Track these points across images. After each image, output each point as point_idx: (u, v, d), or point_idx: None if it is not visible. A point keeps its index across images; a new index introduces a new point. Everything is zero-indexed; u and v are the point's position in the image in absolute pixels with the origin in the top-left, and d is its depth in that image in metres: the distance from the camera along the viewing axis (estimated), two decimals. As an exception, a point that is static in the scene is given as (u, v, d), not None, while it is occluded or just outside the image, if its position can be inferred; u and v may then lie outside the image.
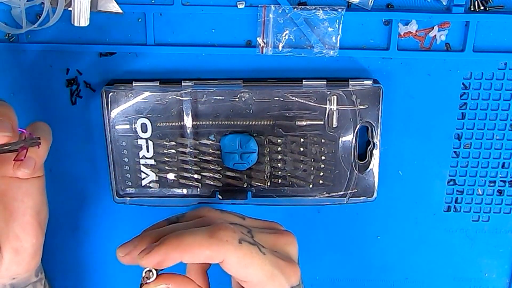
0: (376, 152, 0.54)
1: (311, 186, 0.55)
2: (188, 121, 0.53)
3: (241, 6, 0.51)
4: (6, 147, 0.39)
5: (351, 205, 0.56)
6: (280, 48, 0.52)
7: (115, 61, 0.53)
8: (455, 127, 0.55)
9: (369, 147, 0.54)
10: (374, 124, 0.53)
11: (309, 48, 0.52)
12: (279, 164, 0.54)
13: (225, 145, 0.53)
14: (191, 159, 0.54)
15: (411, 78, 0.53)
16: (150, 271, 0.40)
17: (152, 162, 0.54)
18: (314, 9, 0.50)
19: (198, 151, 0.54)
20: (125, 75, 0.53)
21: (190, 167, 0.55)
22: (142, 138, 0.53)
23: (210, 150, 0.54)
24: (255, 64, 0.53)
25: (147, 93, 0.52)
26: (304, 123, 0.53)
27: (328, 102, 0.52)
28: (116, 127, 0.53)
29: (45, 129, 0.44)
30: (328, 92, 0.52)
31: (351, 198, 0.55)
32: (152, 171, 0.55)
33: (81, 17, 0.49)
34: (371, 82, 0.52)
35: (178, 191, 0.55)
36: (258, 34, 0.52)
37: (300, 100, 0.52)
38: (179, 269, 0.42)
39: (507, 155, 0.56)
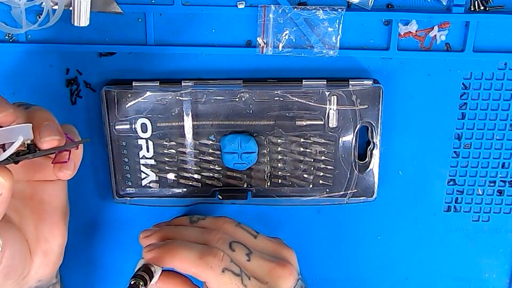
0: (376, 152, 0.54)
1: (311, 186, 0.55)
2: (188, 121, 0.53)
3: (241, 6, 0.51)
4: (53, 150, 0.40)
5: (351, 205, 0.56)
6: (280, 48, 0.52)
7: (115, 61, 0.53)
8: (455, 127, 0.55)
9: (369, 147, 0.54)
10: (374, 124, 0.53)
11: (309, 48, 0.52)
12: (279, 164, 0.54)
13: (225, 145, 0.53)
14: (191, 159, 0.54)
15: (411, 78, 0.53)
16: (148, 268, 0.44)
17: (152, 162, 0.54)
18: (314, 9, 0.50)
19: (198, 151, 0.54)
20: (125, 75, 0.53)
21: (190, 167, 0.55)
22: (142, 138, 0.53)
23: (210, 150, 0.54)
24: (255, 64, 0.53)
25: (147, 93, 0.52)
26: (304, 123, 0.53)
27: (328, 102, 0.52)
28: (116, 127, 0.53)
29: (75, 131, 0.45)
30: (328, 92, 0.52)
31: (351, 198, 0.55)
32: (152, 171, 0.55)
33: (81, 17, 0.49)
34: (371, 82, 0.52)
35: (178, 191, 0.55)
36: (258, 34, 0.52)
37: (300, 100, 0.52)
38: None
39: (507, 155, 0.56)
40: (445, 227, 0.59)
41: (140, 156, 0.54)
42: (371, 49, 0.53)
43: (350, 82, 0.52)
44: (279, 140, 0.54)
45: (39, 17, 0.49)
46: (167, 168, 0.54)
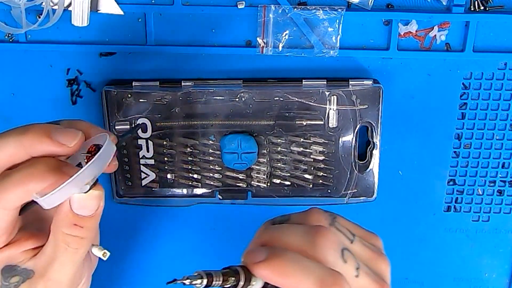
0: (376, 152, 0.54)
1: (311, 186, 0.55)
2: (188, 121, 0.53)
3: (241, 6, 0.51)
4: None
5: (351, 205, 0.56)
6: (280, 48, 0.52)
7: (115, 61, 0.53)
8: (455, 127, 0.55)
9: (369, 147, 0.54)
10: (374, 124, 0.53)
11: (309, 48, 0.52)
12: (279, 164, 0.54)
13: (225, 145, 0.53)
14: (191, 159, 0.54)
15: (411, 78, 0.53)
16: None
17: (152, 162, 0.54)
18: (314, 9, 0.50)
19: (198, 151, 0.54)
20: (125, 75, 0.53)
21: (190, 167, 0.55)
22: (142, 138, 0.53)
23: (210, 150, 0.54)
24: (255, 64, 0.53)
25: (147, 93, 0.52)
26: (304, 123, 0.53)
27: (328, 102, 0.52)
28: (116, 127, 0.53)
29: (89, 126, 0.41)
30: (328, 92, 0.52)
31: (351, 198, 0.55)
32: (152, 171, 0.55)
33: (81, 17, 0.49)
34: (371, 82, 0.52)
35: (178, 191, 0.55)
36: (258, 34, 0.52)
37: (300, 100, 0.52)
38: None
39: (507, 155, 0.56)
40: (445, 227, 0.59)
41: (140, 156, 0.54)
42: (371, 49, 0.53)
43: (350, 82, 0.52)
44: (279, 140, 0.54)
45: (39, 17, 0.49)
46: (167, 168, 0.55)
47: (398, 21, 0.51)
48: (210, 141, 0.54)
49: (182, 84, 0.53)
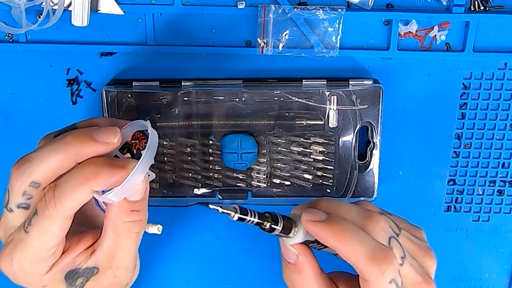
0: (376, 152, 0.54)
1: (311, 186, 0.55)
2: (188, 121, 0.53)
3: (241, 6, 0.51)
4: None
5: (351, 205, 0.56)
6: (280, 48, 0.52)
7: (115, 61, 0.53)
8: (455, 127, 0.55)
9: (369, 147, 0.54)
10: (374, 124, 0.53)
11: (309, 48, 0.52)
12: (279, 164, 0.54)
13: (225, 145, 0.53)
14: (191, 159, 0.54)
15: (411, 78, 0.53)
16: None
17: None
18: (314, 9, 0.50)
19: (198, 151, 0.54)
20: (125, 75, 0.53)
21: (190, 167, 0.55)
22: (142, 138, 0.53)
23: (210, 150, 0.54)
24: (255, 64, 0.53)
25: (147, 93, 0.52)
26: (304, 123, 0.53)
27: (328, 102, 0.52)
28: (116, 127, 0.53)
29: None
30: (328, 92, 0.52)
31: (351, 198, 0.55)
32: (152, 171, 0.54)
33: (81, 17, 0.49)
34: (371, 82, 0.52)
35: (178, 191, 0.55)
36: (258, 34, 0.52)
37: (300, 100, 0.52)
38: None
39: (507, 155, 0.56)
40: (445, 227, 0.59)
41: (140, 156, 0.54)
42: (371, 49, 0.53)
43: (350, 82, 0.52)
44: (279, 140, 0.54)
45: (39, 17, 0.49)
46: (167, 168, 0.54)
47: (398, 21, 0.51)
48: (210, 141, 0.54)
49: (182, 84, 0.53)
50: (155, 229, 0.42)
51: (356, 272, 0.38)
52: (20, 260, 0.38)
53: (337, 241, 0.37)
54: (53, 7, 0.49)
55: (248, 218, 0.37)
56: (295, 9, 0.50)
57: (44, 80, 0.54)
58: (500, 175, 0.57)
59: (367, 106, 0.52)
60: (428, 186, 0.57)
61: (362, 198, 0.55)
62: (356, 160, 0.54)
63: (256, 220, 0.37)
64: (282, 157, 0.54)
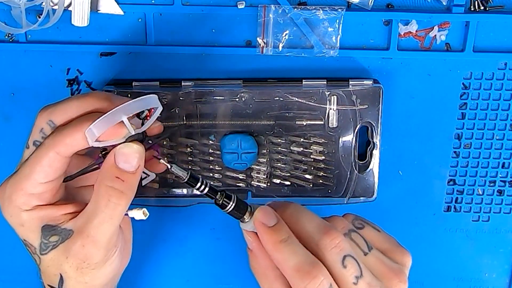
0: (376, 152, 0.54)
1: (311, 186, 0.55)
2: (188, 121, 0.53)
3: (241, 6, 0.51)
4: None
5: (351, 205, 0.56)
6: (280, 48, 0.52)
7: (115, 61, 0.53)
8: (455, 127, 0.55)
9: (369, 147, 0.54)
10: (374, 124, 0.53)
11: (309, 48, 0.52)
12: (279, 164, 0.54)
13: (225, 145, 0.53)
14: (191, 159, 0.54)
15: (411, 78, 0.53)
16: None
17: (152, 162, 0.54)
18: (314, 9, 0.50)
19: (198, 151, 0.54)
20: (125, 75, 0.53)
21: (190, 167, 0.55)
22: (142, 138, 0.53)
23: (210, 150, 0.54)
24: (255, 64, 0.53)
25: (147, 93, 0.52)
26: (304, 123, 0.53)
27: (328, 102, 0.52)
28: (116, 127, 0.53)
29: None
30: (328, 92, 0.52)
31: (351, 198, 0.55)
32: (152, 171, 0.54)
33: (81, 17, 0.49)
34: (371, 82, 0.52)
35: (178, 191, 0.55)
36: (258, 34, 0.52)
37: (300, 100, 0.52)
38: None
39: (507, 155, 0.56)
40: (445, 227, 0.59)
41: (140, 156, 0.54)
42: (371, 49, 0.53)
43: (350, 82, 0.52)
44: (279, 140, 0.54)
45: (39, 17, 0.49)
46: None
47: (398, 21, 0.51)
48: (210, 141, 0.54)
49: (182, 84, 0.53)
50: (140, 214, 0.43)
51: None
52: (11, 186, 0.42)
53: (272, 248, 0.40)
54: (53, 7, 0.49)
55: (198, 185, 0.41)
56: (295, 9, 0.50)
57: (44, 80, 0.54)
58: (500, 175, 0.57)
59: (367, 106, 0.52)
60: (428, 186, 0.57)
61: (362, 198, 0.55)
62: (356, 160, 0.54)
63: (206, 190, 0.41)
64: (282, 157, 0.54)
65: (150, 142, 0.43)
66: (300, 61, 0.53)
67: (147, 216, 0.43)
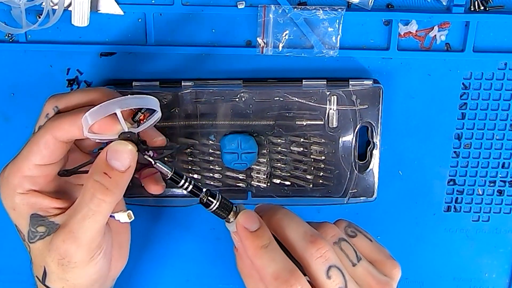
0: (376, 152, 0.54)
1: (311, 186, 0.55)
2: (188, 121, 0.53)
3: (241, 6, 0.51)
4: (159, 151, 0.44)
5: (351, 205, 0.56)
6: (280, 48, 0.52)
7: (115, 61, 0.53)
8: (455, 127, 0.55)
9: (369, 147, 0.54)
10: (374, 124, 0.53)
11: (309, 48, 0.52)
12: (279, 164, 0.54)
13: (225, 145, 0.53)
14: (191, 159, 0.54)
15: (411, 78, 0.53)
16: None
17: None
18: (314, 9, 0.50)
19: (198, 151, 0.54)
20: (125, 75, 0.53)
21: (190, 167, 0.55)
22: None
23: (210, 150, 0.54)
24: (255, 64, 0.53)
25: (147, 93, 0.52)
26: (304, 123, 0.53)
27: (328, 102, 0.52)
28: (116, 127, 0.53)
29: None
30: (328, 92, 0.52)
31: (351, 198, 0.55)
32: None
33: (81, 17, 0.49)
34: (371, 82, 0.52)
35: (178, 191, 0.55)
36: (258, 34, 0.52)
37: (300, 100, 0.52)
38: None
39: (507, 155, 0.56)
40: (445, 227, 0.59)
41: (140, 156, 0.54)
42: (371, 49, 0.53)
43: (350, 82, 0.52)
44: (279, 140, 0.54)
45: (39, 17, 0.49)
46: (167, 168, 0.54)
47: (398, 21, 0.51)
48: (210, 141, 0.54)
49: (182, 84, 0.53)
50: (125, 216, 0.43)
51: None
52: (10, 167, 0.43)
53: (252, 254, 0.40)
54: (53, 7, 0.49)
55: (181, 183, 0.41)
56: (295, 9, 0.50)
57: (44, 80, 0.54)
58: (500, 175, 0.57)
59: (367, 106, 0.52)
60: (428, 186, 0.57)
61: (362, 198, 0.55)
62: (356, 160, 0.54)
63: (190, 187, 0.41)
64: (282, 157, 0.54)
65: (151, 156, 0.42)
66: (300, 61, 0.53)
67: (131, 219, 0.43)
